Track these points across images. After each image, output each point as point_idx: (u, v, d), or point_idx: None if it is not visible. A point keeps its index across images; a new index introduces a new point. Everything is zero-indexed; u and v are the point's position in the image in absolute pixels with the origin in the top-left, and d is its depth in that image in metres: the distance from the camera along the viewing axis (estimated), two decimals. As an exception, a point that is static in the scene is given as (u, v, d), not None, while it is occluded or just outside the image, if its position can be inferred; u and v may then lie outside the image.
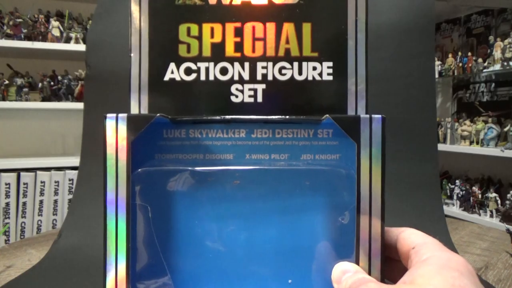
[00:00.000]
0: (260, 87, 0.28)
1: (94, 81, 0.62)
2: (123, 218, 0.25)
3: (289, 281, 0.26)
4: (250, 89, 0.28)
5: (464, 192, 1.68)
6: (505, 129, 1.55)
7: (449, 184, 1.81)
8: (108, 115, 0.25)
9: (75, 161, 1.40)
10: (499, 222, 1.49)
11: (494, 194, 1.57)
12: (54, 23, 1.55)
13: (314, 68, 0.28)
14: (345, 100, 0.28)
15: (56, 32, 1.55)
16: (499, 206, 1.55)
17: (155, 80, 0.28)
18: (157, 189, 0.26)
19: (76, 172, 0.98)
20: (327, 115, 0.25)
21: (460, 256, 0.22)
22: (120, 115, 0.25)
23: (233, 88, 0.28)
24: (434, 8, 0.61)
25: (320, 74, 0.28)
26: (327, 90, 0.28)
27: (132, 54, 0.28)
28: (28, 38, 1.51)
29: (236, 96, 0.28)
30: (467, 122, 1.73)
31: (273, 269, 0.26)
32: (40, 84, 1.57)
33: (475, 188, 1.66)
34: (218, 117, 0.26)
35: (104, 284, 0.25)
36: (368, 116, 0.25)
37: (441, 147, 1.68)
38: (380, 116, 0.25)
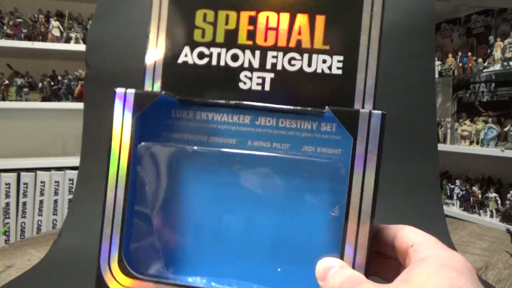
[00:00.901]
0: (269, 76, 0.28)
1: (94, 81, 0.62)
2: (122, 190, 0.26)
3: (278, 269, 0.26)
4: (258, 77, 0.28)
5: (464, 192, 1.67)
6: (505, 129, 1.55)
7: (449, 184, 1.81)
8: (117, 89, 0.26)
9: (75, 161, 1.40)
10: (499, 222, 1.49)
11: (494, 194, 1.57)
12: (54, 23, 1.55)
13: (324, 61, 0.28)
14: (353, 96, 0.27)
15: (56, 32, 1.55)
16: (499, 206, 1.55)
17: (169, 61, 0.29)
18: (159, 165, 0.27)
19: (76, 172, 0.98)
20: (327, 107, 0.25)
21: (459, 254, 0.21)
22: (128, 90, 0.26)
23: (242, 75, 0.28)
24: (434, 8, 0.61)
25: (330, 68, 0.28)
26: (335, 84, 0.28)
27: (150, 35, 0.29)
28: (28, 38, 1.51)
29: (245, 83, 0.28)
30: (467, 122, 1.73)
31: (265, 255, 0.26)
32: (40, 84, 1.57)
33: (475, 188, 1.66)
34: (224, 101, 0.27)
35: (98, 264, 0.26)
36: (367, 111, 0.24)
37: (441, 147, 1.68)
38: (380, 112, 0.24)
